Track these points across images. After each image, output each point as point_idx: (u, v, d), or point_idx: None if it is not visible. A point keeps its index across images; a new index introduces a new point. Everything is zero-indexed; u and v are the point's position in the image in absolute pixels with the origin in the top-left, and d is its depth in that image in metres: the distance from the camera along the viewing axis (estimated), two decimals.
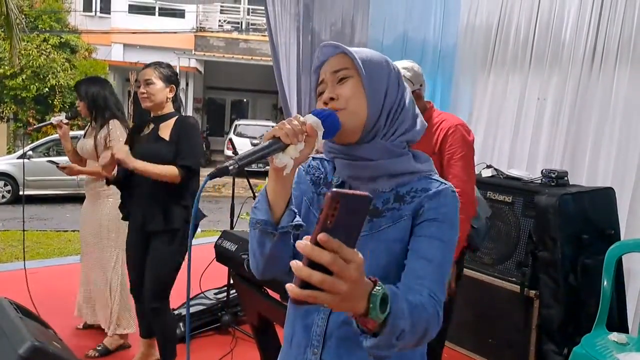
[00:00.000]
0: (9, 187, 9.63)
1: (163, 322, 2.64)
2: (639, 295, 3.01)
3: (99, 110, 3.07)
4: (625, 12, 3.17)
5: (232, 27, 19.10)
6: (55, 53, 13.95)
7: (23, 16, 11.24)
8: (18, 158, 9.92)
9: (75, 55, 14.87)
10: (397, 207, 1.04)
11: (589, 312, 2.63)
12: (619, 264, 2.68)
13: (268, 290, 2.37)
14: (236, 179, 3.80)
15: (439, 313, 0.94)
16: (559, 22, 3.52)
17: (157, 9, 18.14)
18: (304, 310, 1.08)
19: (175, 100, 2.65)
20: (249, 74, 18.43)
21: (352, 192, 0.71)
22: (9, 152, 12.88)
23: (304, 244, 0.71)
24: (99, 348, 3.08)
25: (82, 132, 3.41)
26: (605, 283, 2.48)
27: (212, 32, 18.37)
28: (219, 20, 18.97)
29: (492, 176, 3.12)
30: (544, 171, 2.96)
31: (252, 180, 3.72)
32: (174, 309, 3.39)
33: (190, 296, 3.59)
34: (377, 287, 0.78)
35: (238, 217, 3.63)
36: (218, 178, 0.89)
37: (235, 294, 3.44)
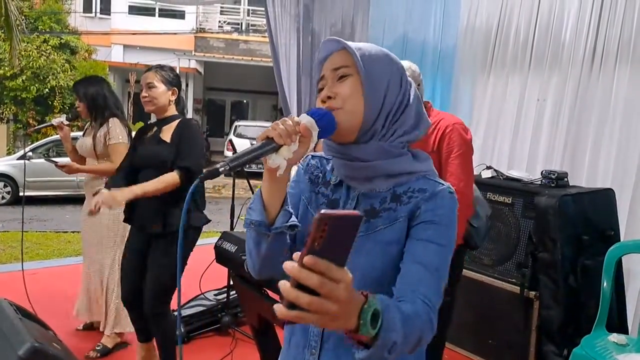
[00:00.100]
0: (8, 189, 9.63)
1: (164, 325, 2.62)
2: (639, 296, 3.01)
3: (98, 109, 3.07)
4: (625, 13, 3.18)
5: (232, 28, 19.11)
6: (55, 54, 13.95)
7: (23, 17, 11.26)
8: (18, 159, 9.92)
9: (75, 56, 14.88)
10: (394, 208, 1.03)
11: (588, 313, 2.63)
12: (619, 265, 2.67)
13: (268, 291, 2.37)
14: (236, 180, 3.81)
15: (432, 320, 0.93)
16: (559, 23, 3.52)
17: (157, 10, 18.14)
18: None
19: (179, 103, 2.63)
20: (249, 75, 18.44)
21: (341, 213, 0.69)
22: (8, 153, 12.86)
23: (290, 265, 0.69)
24: (99, 348, 3.09)
25: (82, 133, 3.40)
26: (605, 284, 2.48)
27: (212, 33, 18.38)
28: (219, 21, 18.99)
29: (492, 177, 3.12)
30: (543, 172, 2.96)
31: (252, 181, 3.72)
32: (173, 310, 3.40)
33: (191, 297, 3.59)
34: (368, 303, 0.77)
35: (238, 218, 3.62)
36: (209, 180, 0.88)
37: (235, 295, 3.44)
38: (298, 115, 0.99)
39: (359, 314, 0.76)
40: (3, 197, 9.57)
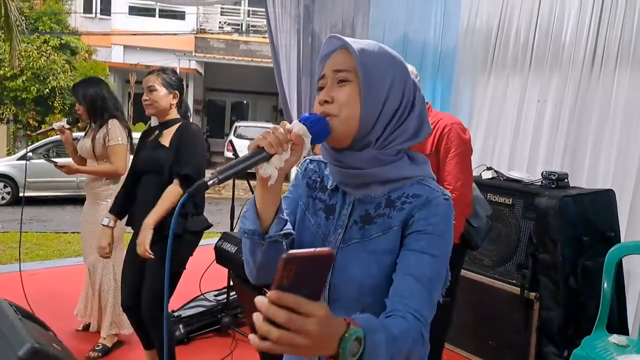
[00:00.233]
0: (8, 189, 9.63)
1: (162, 329, 2.60)
2: (639, 297, 3.01)
3: (97, 111, 3.07)
4: (625, 14, 3.18)
5: (232, 28, 19.11)
6: (56, 55, 13.97)
7: (23, 18, 11.27)
8: (18, 160, 9.92)
9: (76, 57, 14.89)
10: (388, 214, 1.01)
11: (589, 314, 2.63)
12: (619, 266, 2.67)
13: (268, 292, 2.36)
14: (236, 181, 3.80)
15: (423, 335, 0.91)
16: (559, 24, 3.52)
17: (157, 11, 18.14)
18: None
19: (181, 107, 2.61)
20: (249, 75, 18.44)
21: (309, 253, 0.68)
22: (8, 154, 12.87)
23: (260, 301, 0.70)
24: (99, 348, 3.08)
25: (83, 134, 3.41)
26: (605, 285, 2.47)
27: (212, 33, 18.38)
28: (219, 22, 18.99)
29: (492, 178, 3.12)
30: (544, 173, 2.96)
31: (252, 182, 3.70)
32: (173, 311, 3.40)
33: (190, 298, 3.59)
34: (348, 332, 0.76)
35: (238, 219, 3.62)
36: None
37: (235, 295, 3.44)
38: (298, 116, 0.99)
39: (339, 342, 0.75)
40: (3, 198, 9.57)
